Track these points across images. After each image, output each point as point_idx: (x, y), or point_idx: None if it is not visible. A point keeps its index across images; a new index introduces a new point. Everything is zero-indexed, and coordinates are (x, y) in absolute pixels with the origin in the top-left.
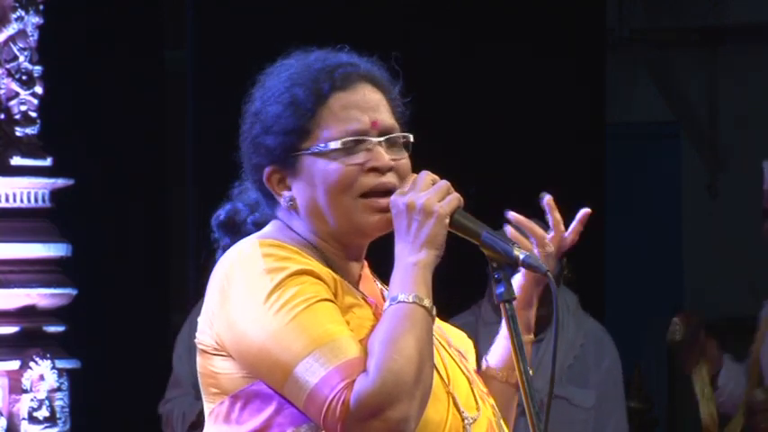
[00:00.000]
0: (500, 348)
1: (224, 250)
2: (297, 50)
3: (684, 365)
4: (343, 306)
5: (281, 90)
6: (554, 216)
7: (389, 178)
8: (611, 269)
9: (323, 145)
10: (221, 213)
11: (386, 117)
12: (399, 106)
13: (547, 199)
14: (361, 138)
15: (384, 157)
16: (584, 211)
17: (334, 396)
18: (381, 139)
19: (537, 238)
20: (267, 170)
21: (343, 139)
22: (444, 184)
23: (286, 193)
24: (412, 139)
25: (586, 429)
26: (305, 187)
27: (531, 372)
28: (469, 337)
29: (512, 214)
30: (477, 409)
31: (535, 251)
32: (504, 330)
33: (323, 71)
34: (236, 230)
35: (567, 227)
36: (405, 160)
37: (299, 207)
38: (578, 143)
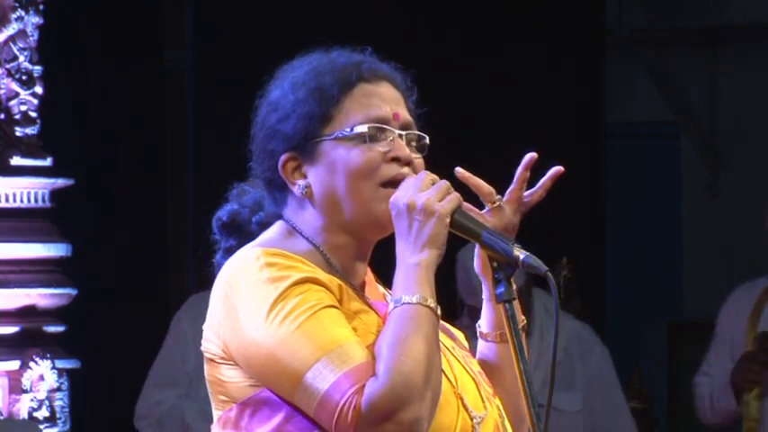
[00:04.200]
0: (487, 312)
1: (226, 252)
2: (316, 50)
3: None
4: (349, 312)
5: (304, 79)
6: (523, 173)
7: (408, 171)
8: (611, 269)
9: (348, 130)
10: (223, 215)
11: (406, 113)
12: (414, 113)
13: (529, 156)
14: (384, 126)
15: (405, 149)
16: (556, 168)
17: (346, 401)
18: (403, 132)
19: (483, 194)
20: (283, 157)
21: (369, 125)
22: (444, 183)
23: (301, 181)
24: (428, 141)
25: None
26: (324, 174)
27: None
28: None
29: (459, 170)
30: (485, 407)
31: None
32: (487, 293)
33: (349, 64)
34: (240, 231)
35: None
36: (420, 161)
37: (315, 195)
38: (578, 143)
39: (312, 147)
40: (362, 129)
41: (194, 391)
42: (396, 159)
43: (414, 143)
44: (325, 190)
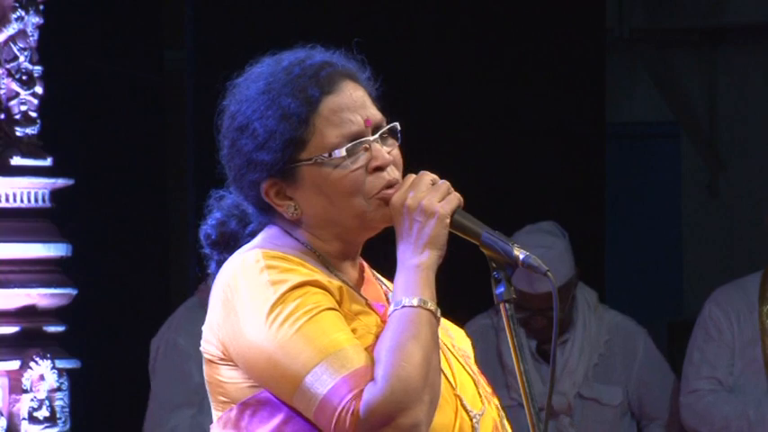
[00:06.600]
0: None
1: (218, 265)
2: (265, 56)
3: None
4: (349, 313)
5: (266, 102)
6: None
7: (392, 173)
8: (612, 269)
9: (326, 155)
10: (211, 232)
11: (374, 112)
12: (373, 92)
13: None
14: (359, 140)
15: (383, 153)
16: None
17: (344, 406)
18: (377, 136)
19: None
20: (264, 185)
21: (347, 146)
22: (444, 184)
23: (288, 204)
24: (399, 127)
25: (616, 427)
26: (310, 196)
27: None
28: (482, 342)
29: None
30: (482, 404)
31: None
32: None
33: (306, 76)
34: (232, 246)
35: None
36: (396, 150)
37: (305, 215)
38: (578, 143)
39: (292, 171)
40: (341, 152)
41: (208, 406)
42: (378, 168)
43: (387, 134)
44: (316, 210)
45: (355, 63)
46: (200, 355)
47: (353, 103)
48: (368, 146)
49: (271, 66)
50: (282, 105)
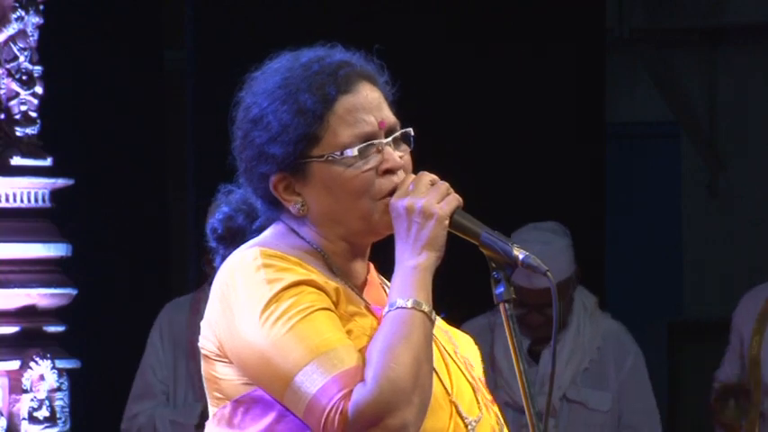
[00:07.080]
0: None
1: (224, 260)
2: (284, 51)
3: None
4: (345, 315)
5: (282, 97)
6: None
7: (401, 176)
8: (612, 269)
9: (338, 153)
10: (218, 226)
11: (389, 114)
12: (390, 96)
13: None
14: (372, 141)
15: (395, 157)
16: None
17: (333, 406)
18: (389, 139)
19: None
20: (273, 178)
21: (359, 146)
22: (443, 185)
23: (296, 199)
24: (413, 133)
25: None
26: (319, 193)
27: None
28: (478, 342)
29: None
30: (480, 411)
31: None
32: None
33: (324, 74)
34: (238, 240)
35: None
36: (408, 156)
37: (312, 212)
38: (578, 143)
39: (302, 166)
40: (353, 152)
41: (173, 398)
42: (388, 171)
43: (400, 139)
44: (323, 208)
45: (374, 66)
46: (168, 349)
47: (369, 104)
48: (380, 148)
49: (289, 61)
50: (299, 100)
